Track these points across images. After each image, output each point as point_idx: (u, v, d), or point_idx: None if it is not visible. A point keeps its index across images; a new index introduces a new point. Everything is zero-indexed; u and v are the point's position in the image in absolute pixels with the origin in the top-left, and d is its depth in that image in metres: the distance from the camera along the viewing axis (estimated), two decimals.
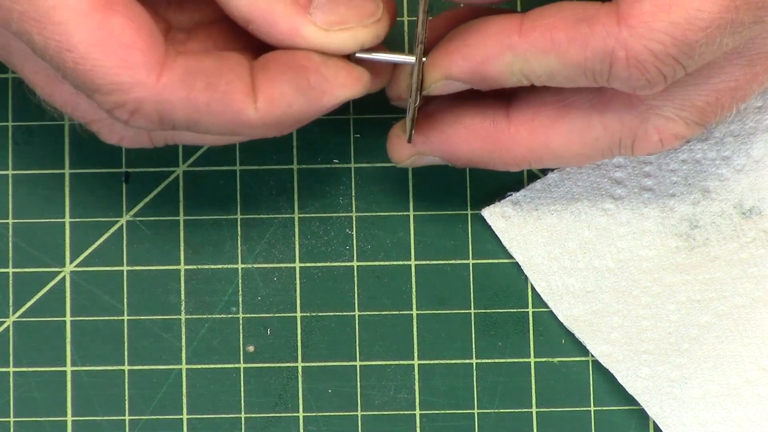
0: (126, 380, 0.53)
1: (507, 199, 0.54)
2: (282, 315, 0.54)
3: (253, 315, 0.54)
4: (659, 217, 0.54)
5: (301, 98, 0.45)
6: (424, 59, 0.47)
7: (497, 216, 0.54)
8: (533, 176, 0.54)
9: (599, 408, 0.53)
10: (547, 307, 0.54)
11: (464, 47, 0.46)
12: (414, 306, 0.54)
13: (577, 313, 0.53)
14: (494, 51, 0.46)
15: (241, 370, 0.53)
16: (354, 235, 0.54)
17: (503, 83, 0.46)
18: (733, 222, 0.53)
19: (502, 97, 0.49)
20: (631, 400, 0.52)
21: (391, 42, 0.52)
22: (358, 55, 0.47)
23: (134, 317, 0.53)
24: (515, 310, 0.54)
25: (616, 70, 0.44)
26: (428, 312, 0.54)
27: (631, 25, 0.43)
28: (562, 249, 0.53)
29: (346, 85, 0.46)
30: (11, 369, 0.53)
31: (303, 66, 0.45)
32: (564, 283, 0.53)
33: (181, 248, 0.54)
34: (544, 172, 0.54)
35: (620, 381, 0.52)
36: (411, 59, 0.47)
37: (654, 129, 0.47)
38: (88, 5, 0.43)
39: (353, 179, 0.54)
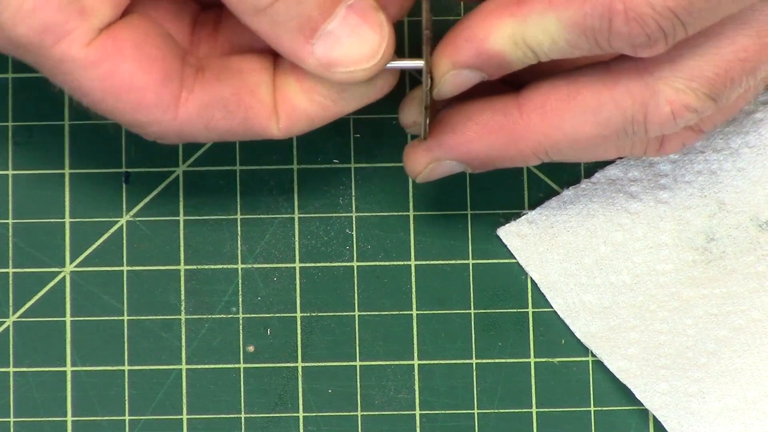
0: (126, 380, 0.53)
1: (522, 218, 0.54)
2: (282, 315, 0.54)
3: (253, 315, 0.54)
4: (675, 231, 0.53)
5: (322, 112, 0.47)
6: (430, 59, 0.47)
7: (513, 235, 0.53)
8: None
9: (599, 408, 0.53)
10: (547, 307, 0.54)
11: (466, 30, 0.46)
12: (414, 306, 0.54)
13: (595, 330, 0.53)
14: (495, 24, 0.46)
15: (241, 370, 0.53)
16: (354, 235, 0.54)
17: (509, 61, 0.46)
18: (749, 235, 0.53)
19: (512, 93, 0.49)
20: (631, 400, 0.52)
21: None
22: None
23: (134, 317, 0.53)
24: (515, 310, 0.54)
25: (615, 25, 0.44)
26: (428, 312, 0.54)
27: None
28: (579, 266, 0.53)
29: (364, 95, 0.47)
30: (11, 369, 0.53)
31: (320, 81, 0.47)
32: (581, 300, 0.53)
33: (181, 248, 0.54)
34: (560, 185, 0.54)
35: (638, 396, 0.52)
36: (419, 64, 0.47)
37: (665, 101, 0.47)
38: (94, 55, 0.44)
39: (353, 179, 0.54)
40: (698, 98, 0.47)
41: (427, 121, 0.48)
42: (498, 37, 0.46)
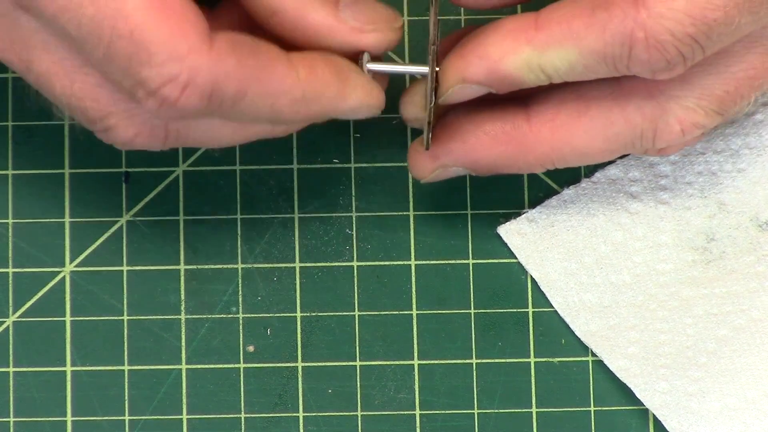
0: (126, 380, 0.53)
1: (523, 216, 0.54)
2: (282, 315, 0.54)
3: (253, 315, 0.54)
4: (675, 231, 0.53)
5: (336, 82, 0.45)
6: (437, 69, 0.47)
7: (513, 233, 0.53)
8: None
9: (599, 408, 0.53)
10: (547, 306, 0.54)
11: (480, 47, 0.46)
12: (414, 306, 0.54)
13: (594, 329, 0.53)
14: (511, 47, 0.46)
15: (241, 370, 0.53)
16: (354, 235, 0.54)
17: (521, 82, 0.46)
18: (749, 235, 0.53)
19: (519, 100, 0.49)
20: (631, 400, 0.52)
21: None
22: (369, 66, 0.46)
23: (134, 317, 0.53)
24: (515, 310, 0.54)
25: (636, 52, 0.44)
26: (428, 312, 0.54)
27: (648, 5, 0.43)
28: (579, 265, 0.53)
29: (370, 92, 0.47)
30: (11, 369, 0.53)
31: (337, 60, 0.46)
32: (581, 299, 0.53)
33: (181, 248, 0.54)
34: (561, 185, 0.54)
35: (638, 395, 0.52)
36: (425, 69, 0.47)
37: (675, 119, 0.47)
38: None
39: (353, 179, 0.54)
40: (707, 116, 0.47)
41: (430, 135, 0.48)
42: (513, 60, 0.46)
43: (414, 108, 0.49)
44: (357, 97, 0.46)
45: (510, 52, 0.46)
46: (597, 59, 0.45)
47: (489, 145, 0.49)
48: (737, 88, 0.47)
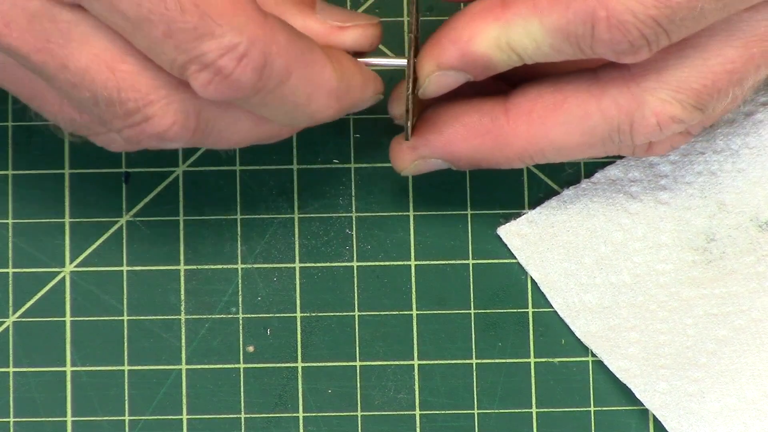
0: (126, 380, 0.53)
1: (523, 217, 0.54)
2: (282, 315, 0.54)
3: (253, 315, 0.54)
4: (675, 231, 0.53)
5: (359, 73, 0.46)
6: (415, 59, 0.47)
7: (513, 234, 0.54)
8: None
9: (599, 408, 0.53)
10: (547, 307, 0.54)
11: (451, 31, 0.47)
12: (414, 306, 0.54)
13: (595, 329, 0.53)
14: (479, 27, 0.46)
15: (241, 370, 0.53)
16: (354, 235, 0.54)
17: (494, 63, 0.47)
18: (749, 235, 0.53)
19: (501, 94, 0.49)
20: (631, 400, 0.52)
21: (390, 44, 0.52)
22: None
23: (134, 317, 0.53)
24: (515, 310, 0.54)
25: (598, 32, 0.44)
26: (428, 312, 0.54)
27: None
28: (579, 265, 0.53)
29: (376, 80, 0.48)
30: (11, 369, 0.53)
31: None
32: (581, 300, 0.53)
33: (181, 248, 0.54)
34: (560, 185, 0.54)
35: (638, 396, 0.52)
36: (403, 62, 0.47)
37: (651, 112, 0.47)
38: None
39: (353, 179, 0.54)
40: (684, 109, 0.47)
41: (410, 124, 0.49)
42: (482, 39, 0.46)
43: (399, 105, 0.50)
44: (372, 86, 0.47)
45: (479, 32, 0.46)
46: (561, 37, 0.45)
47: (466, 137, 0.49)
48: (714, 82, 0.47)
